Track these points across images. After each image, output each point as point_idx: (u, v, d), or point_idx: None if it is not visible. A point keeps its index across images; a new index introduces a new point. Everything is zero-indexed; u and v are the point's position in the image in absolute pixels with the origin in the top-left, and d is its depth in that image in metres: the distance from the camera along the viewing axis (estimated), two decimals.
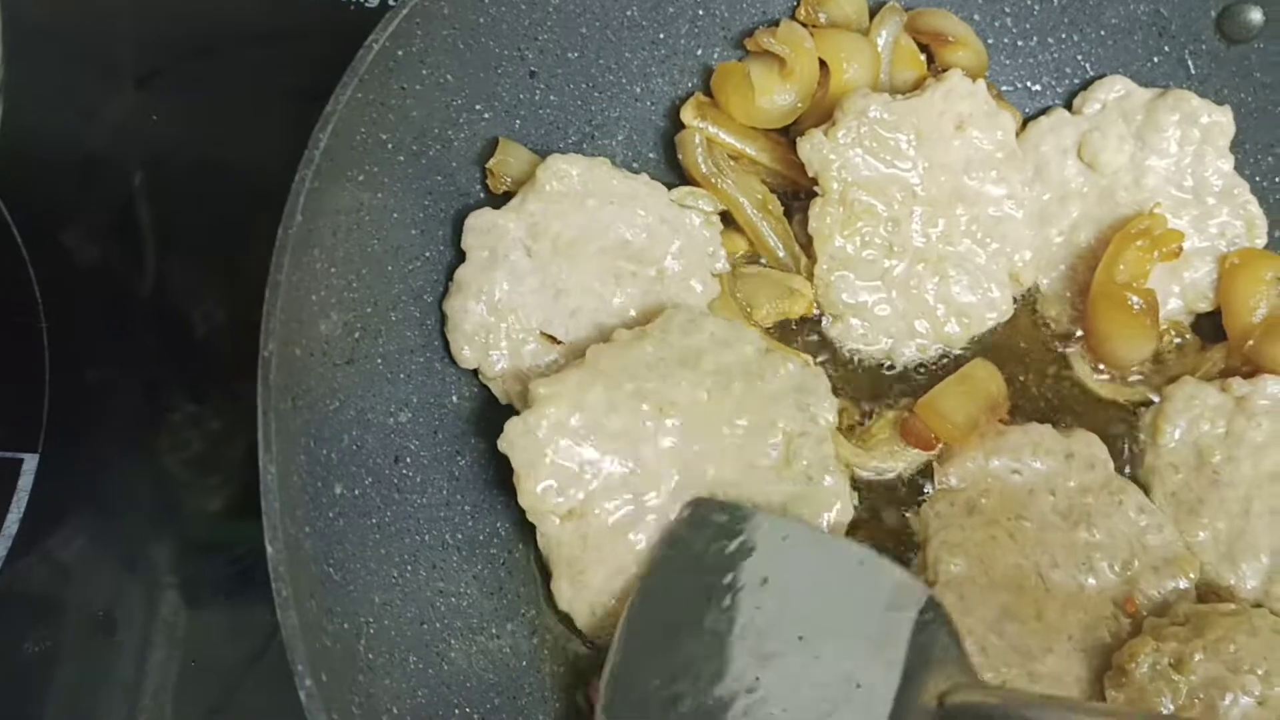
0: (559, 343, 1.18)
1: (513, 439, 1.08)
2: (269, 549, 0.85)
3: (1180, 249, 1.34)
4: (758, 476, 1.12)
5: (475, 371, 1.20)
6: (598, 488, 1.10)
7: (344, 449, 1.05)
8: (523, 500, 1.08)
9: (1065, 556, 1.21)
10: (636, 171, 1.36)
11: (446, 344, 1.19)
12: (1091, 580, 1.20)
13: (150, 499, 1.32)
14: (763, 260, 1.37)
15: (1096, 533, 1.23)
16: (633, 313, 1.23)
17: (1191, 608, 1.18)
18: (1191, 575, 1.21)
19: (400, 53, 1.09)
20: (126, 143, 1.50)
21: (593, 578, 1.10)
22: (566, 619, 1.13)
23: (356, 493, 1.06)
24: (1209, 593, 1.23)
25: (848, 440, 1.29)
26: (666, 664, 1.00)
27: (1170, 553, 1.22)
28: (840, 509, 1.14)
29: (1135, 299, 1.32)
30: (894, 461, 1.29)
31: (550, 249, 1.22)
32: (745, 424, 1.13)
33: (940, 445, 1.27)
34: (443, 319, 1.19)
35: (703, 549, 1.06)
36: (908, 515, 1.27)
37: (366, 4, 1.60)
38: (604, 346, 1.14)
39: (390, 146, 1.12)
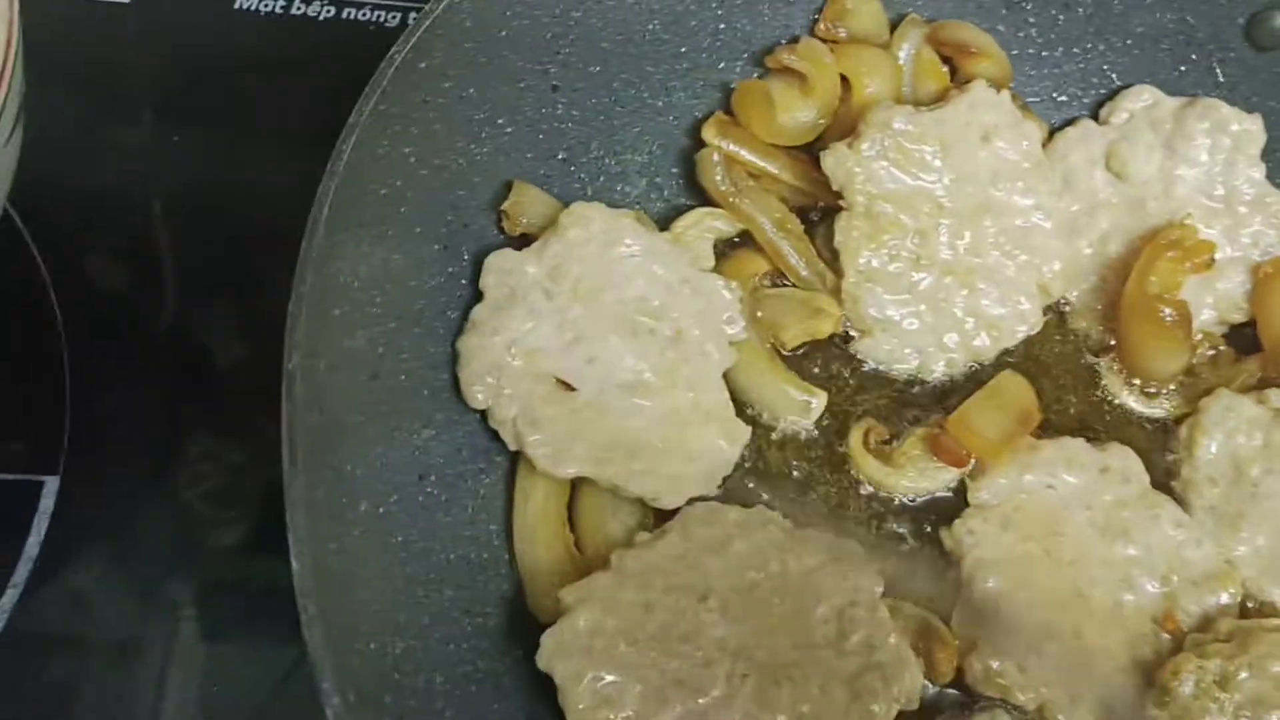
0: (571, 389, 1.16)
1: (550, 653, 1.02)
2: (294, 565, 0.83)
3: (1212, 260, 1.32)
4: (817, 655, 1.06)
5: (484, 415, 1.17)
6: (650, 694, 1.02)
7: (370, 465, 1.03)
8: (572, 719, 1.01)
9: (1103, 573, 1.19)
10: (660, 194, 1.37)
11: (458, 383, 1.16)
12: (1130, 597, 1.18)
13: (169, 531, 1.30)
14: (786, 281, 1.35)
15: (1134, 548, 1.20)
16: (646, 373, 1.20)
17: (1235, 624, 1.16)
18: (1233, 590, 1.19)
19: (423, 65, 1.08)
20: (147, 170, 1.49)
21: None
22: None
23: (382, 510, 1.04)
24: (1253, 608, 1.21)
25: (878, 460, 1.26)
26: None
27: (1210, 567, 1.20)
28: (911, 677, 1.07)
29: (1168, 311, 1.30)
30: (926, 481, 1.27)
31: (570, 292, 1.20)
32: (790, 604, 1.07)
33: (973, 461, 1.24)
34: (454, 357, 1.16)
35: None
36: (942, 533, 1.23)
37: (386, 24, 1.59)
38: (626, 550, 1.10)
39: (413, 160, 1.11)
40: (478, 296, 1.19)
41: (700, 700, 1.03)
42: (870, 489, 1.27)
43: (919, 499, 1.27)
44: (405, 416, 1.11)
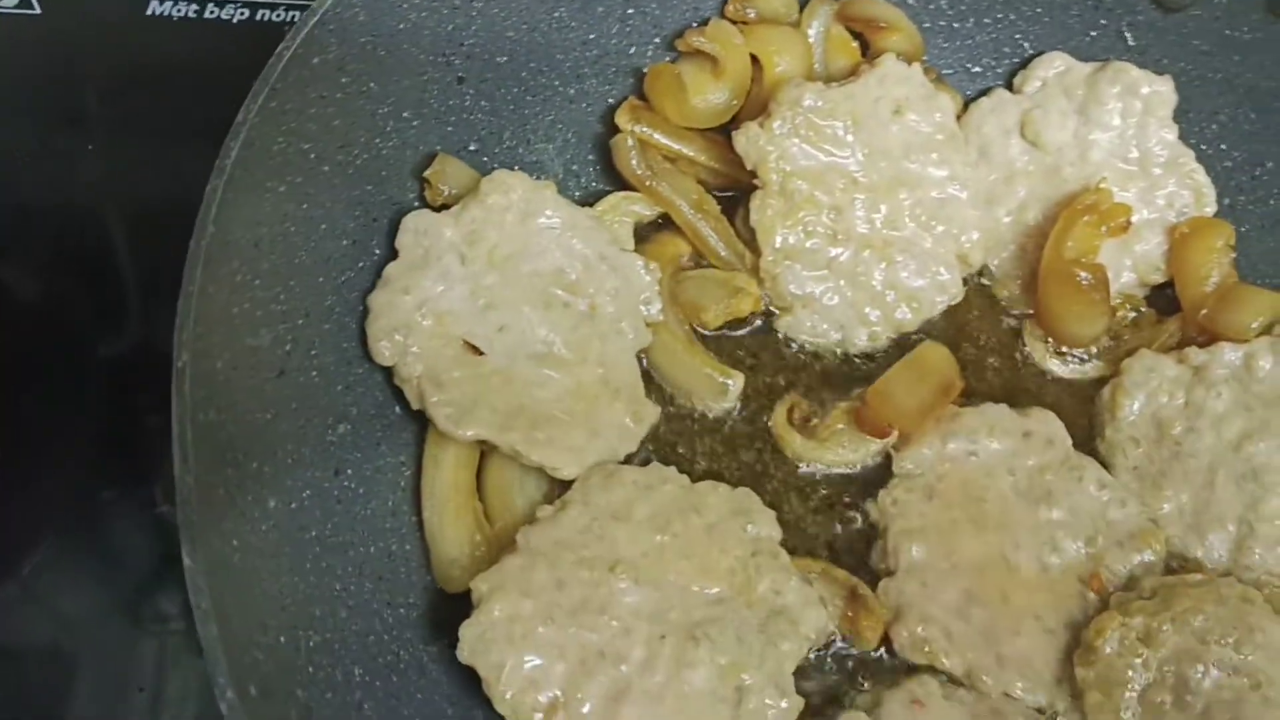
0: (480, 354, 1.16)
1: (471, 644, 1.02)
2: (186, 561, 0.83)
3: (1128, 223, 1.33)
4: (728, 607, 1.08)
5: (390, 372, 1.17)
6: (574, 670, 1.03)
7: (278, 462, 1.03)
8: (500, 708, 1.00)
9: (1028, 537, 1.20)
10: (577, 181, 1.37)
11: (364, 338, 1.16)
12: (1056, 559, 1.19)
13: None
14: (707, 263, 1.35)
15: (1058, 511, 1.21)
16: (558, 345, 1.21)
17: (1158, 580, 1.16)
18: (1157, 548, 1.19)
19: (316, 60, 1.08)
20: (66, 179, 1.48)
21: None
22: None
23: (294, 506, 1.04)
24: (1177, 566, 1.21)
25: (803, 436, 1.27)
26: None
27: (1135, 526, 1.20)
28: (816, 615, 1.10)
29: (1085, 275, 1.31)
30: (852, 453, 1.28)
31: (485, 259, 1.20)
32: (696, 561, 1.09)
33: (895, 432, 1.25)
34: (365, 312, 1.16)
35: None
36: (867, 506, 1.24)
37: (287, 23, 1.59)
38: (531, 527, 1.10)
39: (313, 156, 1.11)
40: (394, 255, 1.19)
41: (623, 668, 1.04)
42: (798, 466, 1.27)
43: (847, 470, 1.27)
44: (317, 413, 1.11)
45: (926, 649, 1.14)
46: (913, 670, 1.16)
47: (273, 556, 0.99)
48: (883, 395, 1.25)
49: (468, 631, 1.03)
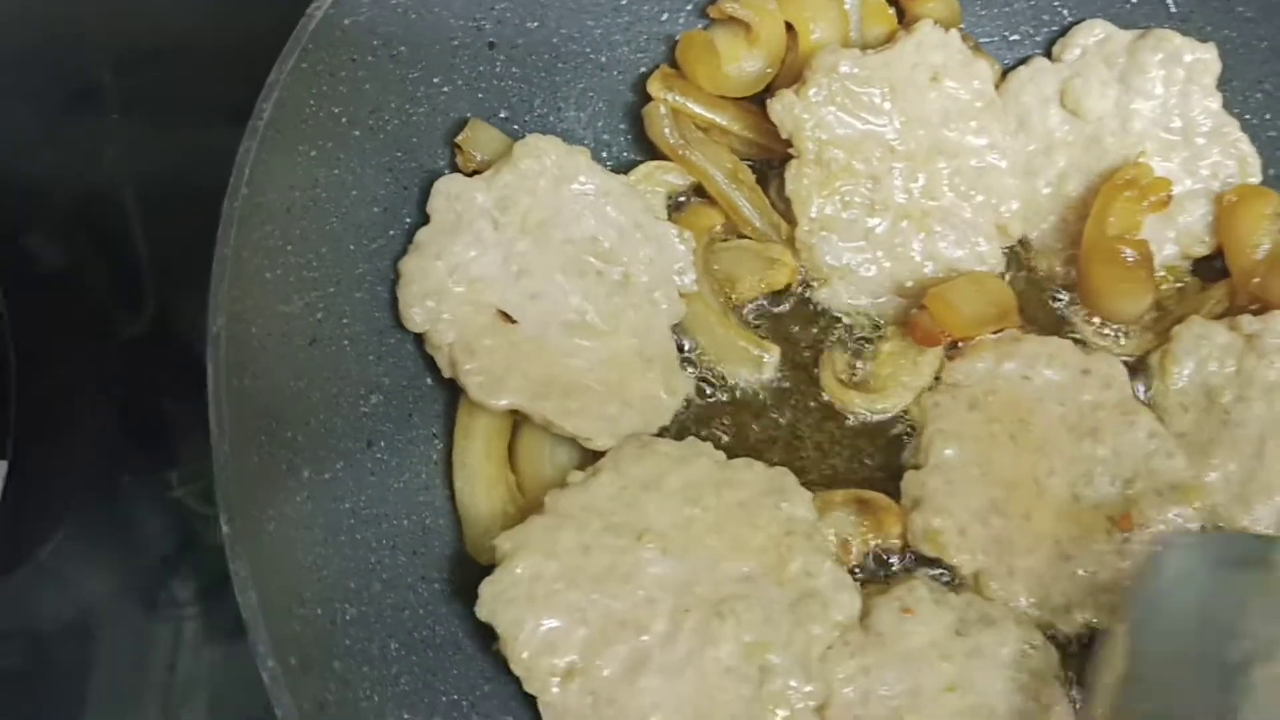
0: (512, 322, 1.14)
1: (491, 602, 1.00)
2: (224, 529, 0.81)
3: (1170, 197, 1.30)
4: (757, 585, 1.06)
5: (421, 341, 1.15)
6: (593, 636, 1.01)
7: (311, 431, 1.01)
8: (516, 669, 0.99)
9: (1066, 466, 1.18)
10: (609, 151, 1.34)
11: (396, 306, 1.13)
12: (1090, 492, 1.17)
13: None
14: (741, 234, 1.33)
15: (1102, 448, 1.19)
16: (591, 314, 1.18)
17: None
18: (1197, 505, 1.17)
19: (347, 22, 1.06)
20: (88, 157, 1.46)
21: None
22: None
23: (327, 476, 1.02)
24: None
25: (856, 390, 1.26)
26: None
27: (1177, 479, 1.18)
28: (849, 599, 1.08)
29: (1129, 251, 1.28)
30: (898, 400, 1.25)
31: (518, 225, 1.18)
32: (727, 536, 1.07)
33: (947, 339, 1.23)
34: (396, 277, 1.14)
35: (1189, 593, 0.95)
36: (909, 406, 1.24)
37: None
38: (560, 491, 1.08)
39: (344, 120, 1.09)
40: (425, 221, 1.17)
41: (644, 638, 1.02)
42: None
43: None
44: (349, 383, 1.09)
45: (939, 540, 1.13)
46: (901, 577, 1.15)
47: (307, 527, 0.96)
48: (941, 299, 1.22)
49: (488, 589, 1.01)
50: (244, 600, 0.80)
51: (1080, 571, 1.13)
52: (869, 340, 1.29)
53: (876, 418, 1.25)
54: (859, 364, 1.28)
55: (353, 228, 1.11)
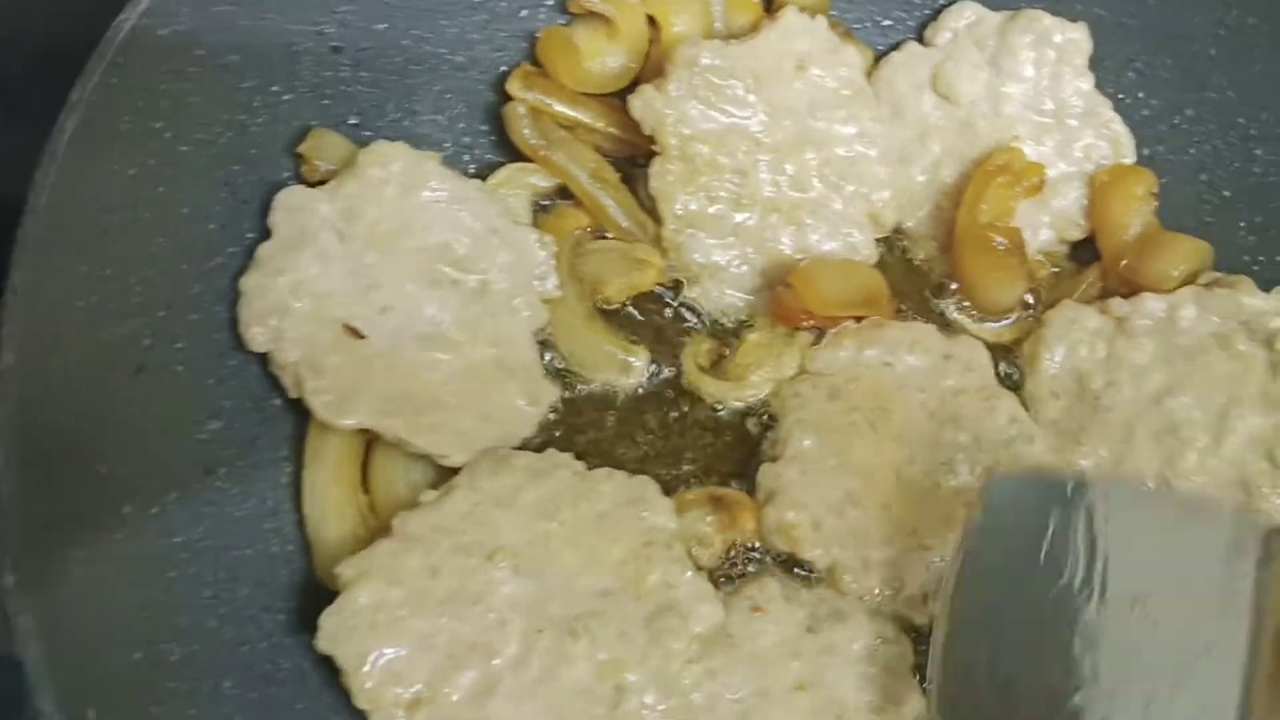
0: (361, 337, 1.10)
1: (331, 633, 0.96)
2: (6, 578, 0.76)
3: (1043, 182, 1.29)
4: (614, 600, 1.03)
5: (266, 360, 1.11)
6: (441, 664, 0.98)
7: (135, 464, 0.97)
8: (359, 702, 0.95)
9: (925, 454, 1.16)
10: (471, 154, 1.30)
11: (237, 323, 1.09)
12: (950, 481, 1.16)
13: None
14: (609, 235, 1.29)
15: (963, 435, 1.18)
16: (447, 324, 1.15)
17: None
18: None
19: (163, 32, 1.01)
20: None
21: None
22: None
23: (155, 510, 0.98)
24: None
25: (715, 377, 1.23)
26: (992, 648, 0.90)
27: (1037, 465, 1.16)
28: (710, 610, 1.05)
29: (1000, 239, 1.26)
30: (768, 380, 1.23)
31: (365, 236, 1.14)
32: (584, 551, 1.04)
33: (808, 319, 1.21)
34: (237, 296, 1.09)
35: (1018, 523, 0.93)
36: (769, 397, 1.22)
37: None
38: (410, 512, 1.04)
39: (169, 136, 1.04)
40: (267, 236, 1.13)
41: (495, 662, 0.99)
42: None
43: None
44: (184, 410, 1.05)
45: (793, 534, 1.11)
46: (752, 575, 1.13)
47: (129, 567, 0.93)
48: (805, 277, 1.20)
49: (328, 619, 0.97)
50: (27, 655, 0.76)
51: (939, 560, 1.11)
52: (737, 333, 1.25)
53: (739, 411, 1.23)
54: (726, 352, 1.24)
55: (185, 247, 1.07)
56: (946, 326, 1.29)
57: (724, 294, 1.28)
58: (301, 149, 1.16)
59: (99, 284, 0.97)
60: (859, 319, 1.23)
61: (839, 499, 1.13)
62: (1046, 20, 1.31)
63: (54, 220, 0.90)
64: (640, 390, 1.23)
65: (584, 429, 1.21)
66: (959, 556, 0.95)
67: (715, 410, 1.23)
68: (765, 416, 1.22)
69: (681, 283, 1.28)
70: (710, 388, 1.22)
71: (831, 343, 1.22)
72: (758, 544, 1.14)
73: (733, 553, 1.14)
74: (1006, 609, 0.92)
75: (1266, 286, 1.23)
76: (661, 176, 1.24)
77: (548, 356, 1.23)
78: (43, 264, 0.88)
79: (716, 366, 1.24)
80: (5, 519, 0.79)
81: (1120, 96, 1.33)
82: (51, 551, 0.83)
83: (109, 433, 0.95)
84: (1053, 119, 1.32)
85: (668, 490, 1.14)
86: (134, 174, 1.01)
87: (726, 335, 1.26)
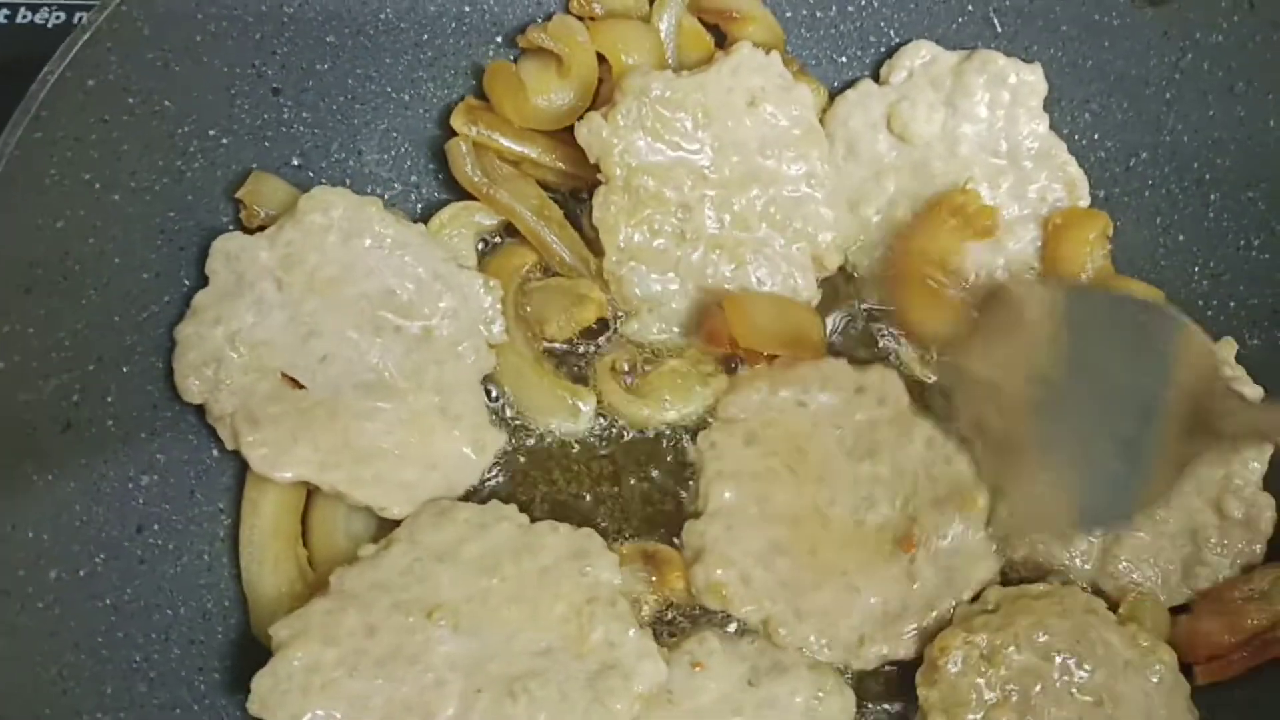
0: (300, 387, 1.08)
1: (264, 696, 0.94)
2: None
3: (994, 226, 1.27)
4: (555, 659, 1.02)
5: (201, 409, 1.08)
6: None
7: (61, 526, 0.95)
8: None
9: (846, 492, 1.16)
10: (417, 192, 1.28)
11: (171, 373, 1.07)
12: (872, 516, 1.15)
13: None
14: (554, 272, 1.28)
15: (881, 467, 1.17)
16: (389, 372, 1.13)
17: (1001, 593, 1.12)
18: (974, 512, 1.14)
19: (91, 83, 0.98)
20: None
21: None
22: None
23: (83, 574, 0.96)
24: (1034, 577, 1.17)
25: (623, 389, 1.22)
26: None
27: (955, 484, 1.15)
28: (652, 669, 1.03)
29: (937, 277, 1.24)
30: (677, 405, 1.22)
31: (305, 284, 1.12)
32: (527, 607, 1.03)
33: (731, 347, 1.19)
34: (172, 346, 1.08)
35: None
36: (686, 444, 1.20)
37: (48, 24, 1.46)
38: (347, 568, 1.02)
39: (99, 186, 1.01)
40: (205, 283, 1.11)
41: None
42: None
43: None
44: (115, 465, 1.03)
45: (723, 593, 1.10)
46: (690, 630, 1.11)
47: (52, 634, 0.91)
48: (739, 305, 1.19)
49: (260, 682, 0.96)
50: None
51: (872, 600, 1.10)
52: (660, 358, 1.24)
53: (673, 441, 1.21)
54: (646, 369, 1.23)
55: (118, 297, 1.05)
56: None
57: (662, 328, 1.26)
58: (240, 194, 1.14)
59: (22, 342, 0.95)
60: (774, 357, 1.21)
61: (765, 549, 1.12)
62: (1001, 61, 1.30)
63: None
64: (588, 435, 1.20)
65: (529, 475, 1.19)
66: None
67: (647, 436, 1.21)
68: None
69: (620, 315, 1.25)
70: (613, 396, 1.21)
71: (742, 386, 1.20)
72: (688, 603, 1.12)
73: (670, 607, 1.11)
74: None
75: (1219, 333, 1.22)
76: (605, 207, 1.23)
77: (494, 400, 1.19)
78: None
79: (631, 385, 1.22)
80: None
81: (1075, 138, 1.32)
82: None
83: (35, 496, 0.93)
84: (1007, 160, 1.31)
85: (612, 539, 1.12)
86: (61, 226, 0.99)
87: (650, 359, 1.24)
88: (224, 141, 1.14)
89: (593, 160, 1.21)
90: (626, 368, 1.22)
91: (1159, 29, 1.25)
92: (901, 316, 1.26)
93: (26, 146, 0.93)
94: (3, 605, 0.86)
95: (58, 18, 1.45)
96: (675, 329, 1.25)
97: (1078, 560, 1.16)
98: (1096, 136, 1.32)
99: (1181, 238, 1.29)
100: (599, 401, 1.21)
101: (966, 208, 1.26)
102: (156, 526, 1.04)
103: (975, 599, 1.11)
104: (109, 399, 1.03)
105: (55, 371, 0.97)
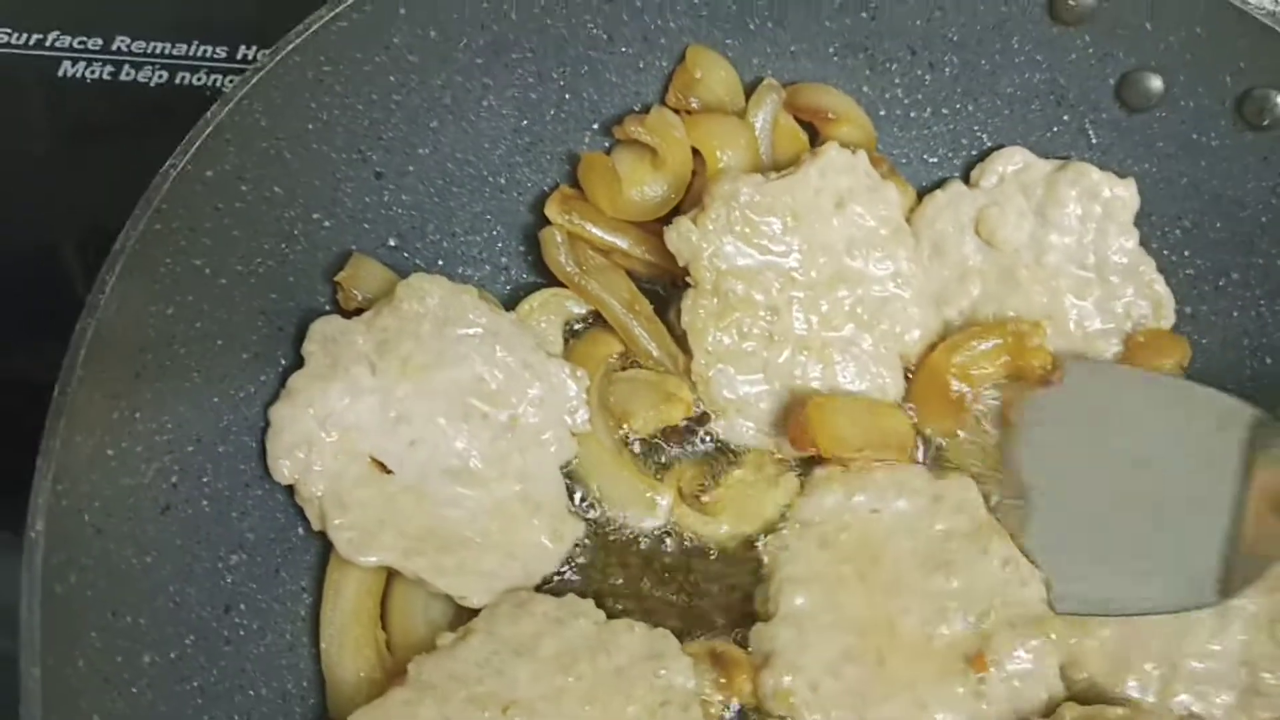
0: (388, 472, 1.09)
1: None
2: None
3: (1050, 375, 1.26)
4: None
5: (290, 488, 1.10)
6: None
7: (157, 610, 0.97)
8: None
9: (918, 603, 1.14)
10: (507, 275, 1.30)
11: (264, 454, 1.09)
12: (944, 630, 1.13)
13: None
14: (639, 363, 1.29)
15: (956, 581, 1.16)
16: (474, 460, 1.14)
17: (1078, 712, 1.10)
18: (1053, 635, 1.13)
19: (209, 174, 1.01)
20: None
21: None
22: None
23: (174, 656, 0.98)
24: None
25: (692, 509, 1.22)
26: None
27: (1030, 611, 1.14)
28: None
29: (958, 385, 1.25)
30: (732, 527, 1.22)
31: (398, 369, 1.13)
32: (599, 707, 1.02)
33: (814, 451, 1.19)
34: (266, 425, 1.09)
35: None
36: (758, 545, 1.20)
37: (223, 90, 1.49)
38: (426, 657, 1.03)
39: (208, 272, 1.04)
40: (301, 363, 1.13)
41: None
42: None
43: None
44: (208, 545, 1.05)
45: (790, 700, 1.09)
46: None
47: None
48: (824, 410, 1.19)
49: None
50: None
51: (939, 717, 1.10)
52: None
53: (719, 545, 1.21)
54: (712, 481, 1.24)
55: (218, 379, 1.07)
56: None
57: (752, 429, 1.26)
58: (340, 277, 1.16)
59: (129, 426, 0.97)
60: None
61: (835, 657, 1.11)
62: (1095, 175, 1.30)
63: (91, 375, 0.90)
64: (665, 528, 1.21)
65: (605, 567, 1.19)
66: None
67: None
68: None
69: (708, 415, 1.26)
70: (692, 522, 1.21)
71: (818, 489, 1.20)
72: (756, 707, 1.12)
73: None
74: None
75: None
76: (694, 311, 1.24)
77: (571, 489, 1.21)
78: (76, 421, 0.88)
79: (697, 498, 1.23)
80: (30, 698, 0.78)
81: (1165, 252, 1.31)
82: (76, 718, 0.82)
83: (132, 582, 0.95)
84: (1094, 274, 1.31)
85: (684, 636, 1.12)
86: (171, 313, 1.01)
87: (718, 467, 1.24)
88: (326, 224, 1.16)
89: (682, 264, 1.22)
90: (697, 489, 1.22)
91: (1259, 154, 1.24)
92: (915, 407, 1.28)
93: (146, 239, 0.95)
94: (101, 693, 0.87)
95: (160, 77, 1.48)
96: (764, 429, 1.25)
97: (1134, 690, 1.15)
98: (1187, 253, 1.32)
99: (1269, 361, 1.29)
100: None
101: (1029, 338, 1.25)
102: (243, 606, 1.05)
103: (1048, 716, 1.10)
104: (205, 479, 1.05)
105: (158, 454, 0.99)
